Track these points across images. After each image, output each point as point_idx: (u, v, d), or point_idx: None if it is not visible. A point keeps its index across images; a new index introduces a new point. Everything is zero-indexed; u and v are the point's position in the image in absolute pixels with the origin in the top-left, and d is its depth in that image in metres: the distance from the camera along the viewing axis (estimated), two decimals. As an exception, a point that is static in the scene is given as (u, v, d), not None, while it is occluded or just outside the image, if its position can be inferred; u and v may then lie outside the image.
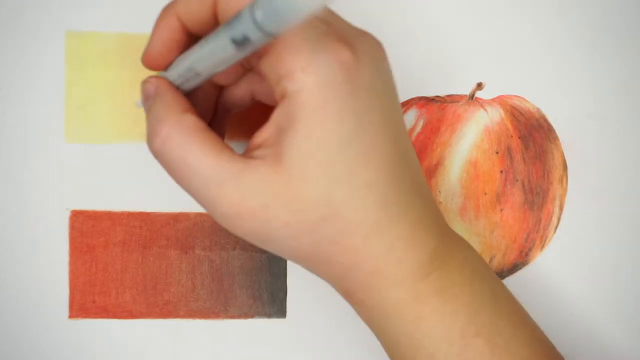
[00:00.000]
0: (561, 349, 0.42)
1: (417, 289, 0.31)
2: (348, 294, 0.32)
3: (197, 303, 0.40)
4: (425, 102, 0.41)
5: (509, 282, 0.41)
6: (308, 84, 0.28)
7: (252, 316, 0.41)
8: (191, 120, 0.30)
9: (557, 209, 0.42)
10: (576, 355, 0.41)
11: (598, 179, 0.42)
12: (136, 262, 0.40)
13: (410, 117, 0.41)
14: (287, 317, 0.41)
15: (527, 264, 0.42)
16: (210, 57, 0.29)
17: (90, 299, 0.40)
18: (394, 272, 0.31)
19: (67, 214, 0.40)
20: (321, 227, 0.29)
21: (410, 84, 0.41)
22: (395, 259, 0.31)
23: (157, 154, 0.30)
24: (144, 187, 0.40)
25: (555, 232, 0.42)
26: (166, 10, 0.31)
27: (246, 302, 0.41)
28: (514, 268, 0.41)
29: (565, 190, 0.42)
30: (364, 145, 0.29)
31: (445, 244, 0.32)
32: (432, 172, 0.41)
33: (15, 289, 0.39)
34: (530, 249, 0.41)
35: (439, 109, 0.41)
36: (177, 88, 0.32)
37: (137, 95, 0.40)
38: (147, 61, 0.32)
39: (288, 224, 0.29)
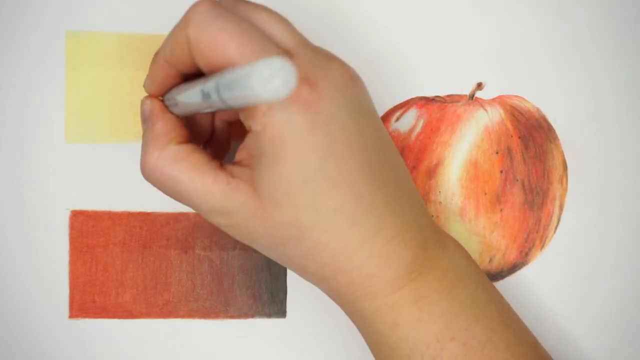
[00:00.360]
0: (560, 349, 0.42)
1: (392, 299, 0.33)
2: (330, 296, 0.35)
3: (197, 303, 0.40)
4: (425, 102, 0.41)
5: (509, 282, 0.41)
6: (269, 125, 0.30)
7: (252, 316, 0.41)
8: (174, 151, 0.33)
9: (557, 209, 0.42)
10: (575, 355, 0.41)
11: (598, 179, 0.42)
12: (136, 262, 0.40)
13: (410, 117, 0.41)
14: (287, 317, 0.41)
15: (527, 264, 0.42)
16: (188, 97, 0.32)
17: (90, 299, 0.40)
18: (368, 285, 0.33)
19: (67, 214, 0.40)
20: (293, 244, 0.32)
21: (410, 84, 0.41)
22: (368, 274, 0.32)
23: (148, 180, 0.34)
24: (144, 187, 0.40)
25: (555, 232, 0.42)
26: (156, 54, 0.34)
27: (246, 302, 0.41)
28: (514, 268, 0.41)
29: (565, 190, 0.42)
30: (327, 177, 0.31)
31: (426, 254, 0.33)
32: (432, 172, 0.41)
33: (15, 289, 0.39)
34: (530, 249, 0.41)
35: (439, 109, 0.41)
36: (170, 111, 0.34)
37: (137, 96, 0.40)
38: (147, 91, 0.35)
39: (264, 237, 0.32)
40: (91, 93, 0.40)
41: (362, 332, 0.35)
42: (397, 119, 0.41)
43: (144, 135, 0.34)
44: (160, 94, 0.35)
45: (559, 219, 0.42)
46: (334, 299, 0.35)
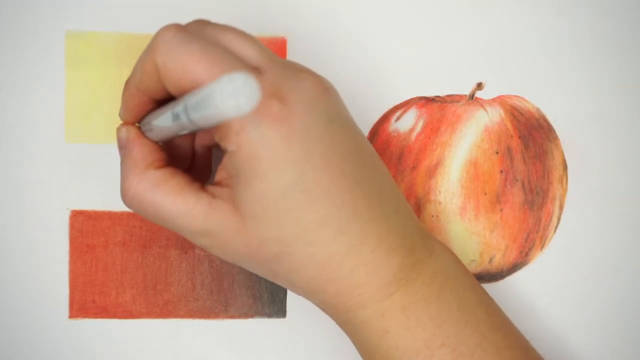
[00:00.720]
0: (560, 349, 0.42)
1: (382, 307, 0.33)
2: (322, 308, 0.34)
3: (197, 303, 0.40)
4: (425, 102, 0.41)
5: (509, 282, 0.41)
6: (243, 144, 0.30)
7: (252, 316, 0.41)
8: (154, 176, 0.33)
9: (557, 209, 0.42)
10: (575, 356, 0.41)
11: (598, 179, 0.42)
12: (136, 262, 0.40)
13: (410, 117, 0.41)
14: (287, 317, 0.41)
15: (527, 264, 0.42)
16: (161, 121, 0.32)
17: (90, 299, 0.40)
18: (357, 294, 0.33)
19: (67, 214, 0.40)
20: (278, 260, 0.32)
21: (410, 84, 0.41)
22: (356, 284, 0.32)
23: (130, 207, 0.33)
24: (144, 187, 0.40)
25: (555, 232, 0.42)
26: (126, 83, 0.34)
27: (246, 302, 0.41)
28: (513, 268, 0.41)
29: (565, 190, 0.42)
30: (306, 190, 0.31)
31: (413, 260, 0.33)
32: (432, 172, 0.41)
33: (15, 289, 0.39)
34: (530, 249, 0.41)
35: (439, 109, 0.41)
36: (146, 137, 0.34)
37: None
38: (122, 119, 0.35)
39: (250, 255, 0.32)
40: (91, 93, 0.40)
41: (354, 342, 0.35)
42: (397, 119, 0.41)
43: (122, 162, 0.34)
44: (135, 121, 0.35)
45: (559, 219, 0.42)
46: (325, 311, 0.34)
